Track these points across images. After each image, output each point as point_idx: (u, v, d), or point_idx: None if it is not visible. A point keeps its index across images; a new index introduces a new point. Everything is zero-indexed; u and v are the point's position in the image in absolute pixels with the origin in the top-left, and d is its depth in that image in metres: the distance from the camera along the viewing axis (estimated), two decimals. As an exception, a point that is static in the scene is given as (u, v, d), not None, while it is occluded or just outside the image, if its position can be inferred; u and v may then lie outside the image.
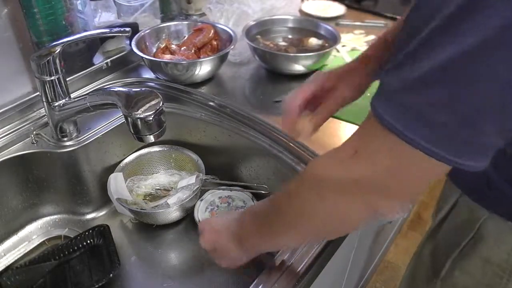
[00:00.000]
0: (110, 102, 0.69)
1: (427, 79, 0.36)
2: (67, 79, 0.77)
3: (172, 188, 0.89)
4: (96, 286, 0.69)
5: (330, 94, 0.63)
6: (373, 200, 0.43)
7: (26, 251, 0.81)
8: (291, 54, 0.98)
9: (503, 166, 0.55)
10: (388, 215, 0.44)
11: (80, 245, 0.77)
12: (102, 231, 0.78)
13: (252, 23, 1.06)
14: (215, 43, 1.01)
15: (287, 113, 0.62)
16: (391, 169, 0.41)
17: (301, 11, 1.30)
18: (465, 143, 0.37)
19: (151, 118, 0.65)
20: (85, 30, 0.88)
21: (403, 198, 0.43)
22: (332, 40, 1.03)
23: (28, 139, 0.79)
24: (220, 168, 0.91)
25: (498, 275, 0.63)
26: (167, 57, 0.95)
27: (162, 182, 0.90)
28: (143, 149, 0.90)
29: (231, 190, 0.89)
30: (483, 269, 0.64)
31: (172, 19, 1.12)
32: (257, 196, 0.86)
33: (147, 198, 0.87)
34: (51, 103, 0.75)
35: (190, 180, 0.85)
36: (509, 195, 0.57)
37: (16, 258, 0.79)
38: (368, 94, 0.96)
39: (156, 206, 0.84)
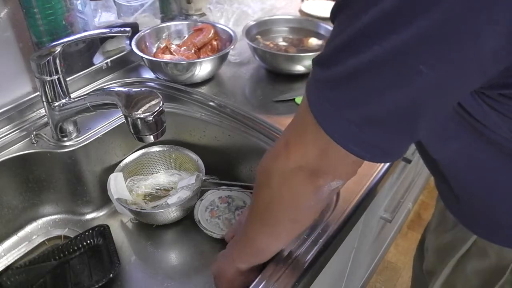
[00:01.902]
0: (110, 102, 0.69)
1: (339, 79, 0.39)
2: (67, 79, 0.77)
3: (172, 188, 0.89)
4: (96, 286, 0.69)
5: None
6: (310, 179, 0.46)
7: (26, 251, 0.81)
8: (291, 54, 0.98)
9: None
10: (329, 185, 0.47)
11: (80, 245, 0.77)
12: (102, 231, 0.78)
13: (252, 23, 1.06)
14: (215, 43, 1.01)
15: None
16: (319, 155, 0.43)
17: (301, 11, 1.30)
18: (371, 142, 0.40)
19: (151, 118, 0.65)
20: (85, 30, 0.88)
21: (336, 177, 0.46)
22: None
23: (28, 139, 0.79)
24: (220, 168, 0.91)
25: None
26: (167, 57, 0.95)
27: (162, 182, 0.90)
28: (143, 149, 0.90)
29: (231, 190, 0.89)
30: None
31: (172, 19, 1.12)
32: (257, 196, 0.86)
33: (147, 198, 0.87)
34: (51, 103, 0.75)
35: (190, 180, 0.85)
36: None
37: (16, 258, 0.79)
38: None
39: (156, 206, 0.84)
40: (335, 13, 0.42)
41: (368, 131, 0.39)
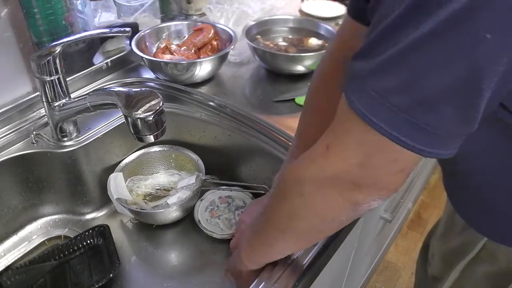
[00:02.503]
0: (110, 102, 0.69)
1: (386, 64, 0.36)
2: (67, 79, 0.77)
3: (172, 188, 0.89)
4: (96, 286, 0.69)
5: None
6: (349, 193, 0.43)
7: (26, 251, 0.81)
8: (291, 54, 0.98)
9: None
10: (369, 204, 0.43)
11: (80, 245, 0.77)
12: (102, 231, 0.78)
13: (252, 23, 1.06)
14: (215, 43, 1.01)
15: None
16: (362, 162, 0.40)
17: (301, 11, 1.30)
18: (427, 129, 0.36)
19: (151, 118, 0.65)
20: (85, 30, 0.88)
21: (379, 190, 0.43)
22: (332, 40, 1.02)
23: (28, 139, 0.79)
24: (220, 168, 0.91)
25: None
26: (167, 57, 0.95)
27: (162, 182, 0.90)
28: (143, 149, 0.90)
29: (231, 190, 0.89)
30: None
31: (172, 19, 1.12)
32: (257, 196, 0.86)
33: (147, 198, 0.87)
34: (51, 103, 0.75)
35: (190, 180, 0.85)
36: None
37: (16, 258, 0.79)
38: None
39: (156, 206, 0.84)
40: (374, 6, 0.40)
41: (422, 117, 0.36)
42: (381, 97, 0.36)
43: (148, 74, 0.97)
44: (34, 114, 0.83)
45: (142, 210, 0.81)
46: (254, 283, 0.57)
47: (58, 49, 0.71)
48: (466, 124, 0.37)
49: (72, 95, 0.79)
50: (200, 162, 0.87)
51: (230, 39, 0.98)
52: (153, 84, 0.94)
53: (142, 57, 0.92)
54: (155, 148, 0.91)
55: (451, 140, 0.38)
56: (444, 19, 0.32)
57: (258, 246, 0.57)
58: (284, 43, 1.06)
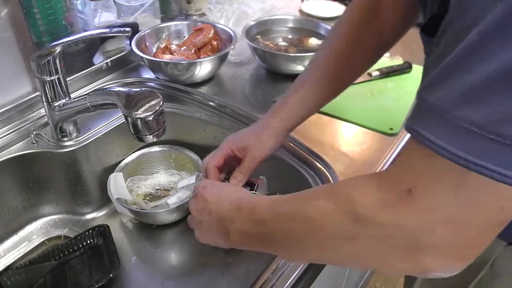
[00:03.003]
0: (110, 102, 0.69)
1: (488, 86, 0.29)
2: (67, 79, 0.77)
3: (172, 188, 0.89)
4: (96, 286, 0.69)
5: (244, 155, 0.67)
6: (421, 256, 0.35)
7: (26, 251, 0.81)
8: (291, 54, 0.98)
9: None
10: (438, 274, 0.36)
11: (80, 245, 0.77)
12: (102, 231, 0.78)
13: (252, 23, 1.06)
14: (215, 43, 1.01)
15: (207, 174, 0.67)
16: (453, 218, 0.33)
17: (301, 11, 1.30)
18: None
19: (151, 118, 0.65)
20: (85, 30, 0.88)
21: (462, 258, 0.35)
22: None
23: (28, 139, 0.79)
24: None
25: None
26: (167, 57, 0.95)
27: (162, 182, 0.90)
28: (143, 149, 0.90)
29: (231, 190, 0.89)
30: None
31: (172, 19, 1.12)
32: (257, 196, 0.86)
33: (147, 198, 0.87)
34: (51, 103, 0.75)
35: (190, 180, 0.85)
36: None
37: (16, 258, 0.79)
38: (368, 95, 0.96)
39: (156, 206, 0.84)
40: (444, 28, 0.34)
41: None
42: (485, 130, 0.29)
43: (148, 74, 0.97)
44: (34, 114, 0.83)
45: (142, 210, 0.81)
46: (254, 282, 0.57)
47: (58, 49, 0.71)
48: None
49: (72, 95, 0.79)
50: (200, 162, 0.87)
51: (230, 39, 0.98)
52: (153, 84, 0.94)
53: (142, 57, 0.92)
54: (155, 148, 0.91)
55: None
56: None
57: (259, 248, 0.52)
58: (284, 43, 1.06)
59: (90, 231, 0.78)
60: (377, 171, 0.74)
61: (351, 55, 0.65)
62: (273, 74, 0.99)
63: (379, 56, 0.68)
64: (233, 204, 0.53)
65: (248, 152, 0.66)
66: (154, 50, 1.00)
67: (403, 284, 1.50)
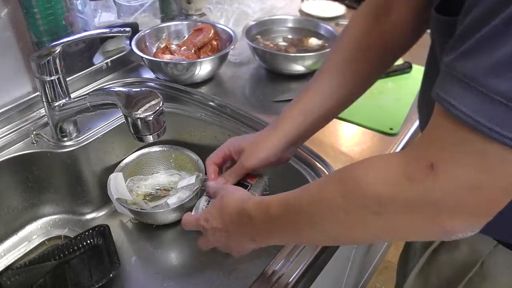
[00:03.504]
0: (110, 102, 0.69)
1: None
2: (67, 79, 0.77)
3: (172, 188, 0.89)
4: (96, 286, 0.69)
5: (238, 159, 0.65)
6: (445, 220, 0.36)
7: (26, 251, 0.81)
8: (291, 54, 0.98)
9: None
10: (460, 235, 0.37)
11: (80, 245, 0.77)
12: (102, 231, 0.78)
13: (252, 23, 1.06)
14: (215, 43, 1.01)
15: (206, 170, 0.68)
16: (477, 184, 0.34)
17: (301, 11, 1.30)
18: None
19: (151, 118, 0.65)
20: (85, 30, 0.88)
21: (484, 215, 0.36)
22: (332, 40, 1.03)
23: (28, 139, 0.79)
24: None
25: None
26: (167, 57, 0.95)
27: (162, 182, 0.90)
28: (143, 149, 0.90)
29: (231, 190, 0.89)
30: None
31: (172, 19, 1.12)
32: (257, 196, 0.86)
33: (147, 198, 0.87)
34: (51, 103, 0.75)
35: (190, 180, 0.85)
36: None
37: (16, 258, 0.79)
38: (368, 94, 0.96)
39: (156, 206, 0.84)
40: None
41: None
42: (509, 100, 0.30)
43: (148, 74, 0.97)
44: (34, 114, 0.83)
45: (142, 210, 0.81)
46: (254, 282, 0.57)
47: (58, 49, 0.71)
48: None
49: (72, 95, 0.79)
50: (200, 162, 0.87)
51: (230, 39, 0.98)
52: (153, 84, 0.95)
53: (142, 57, 0.92)
54: (155, 148, 0.91)
55: None
56: None
57: (282, 238, 0.52)
58: (284, 43, 1.06)
59: (90, 231, 0.78)
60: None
61: (357, 61, 0.62)
62: (273, 74, 0.99)
63: (388, 62, 0.65)
64: (239, 211, 0.54)
65: (241, 157, 0.64)
66: (154, 50, 1.00)
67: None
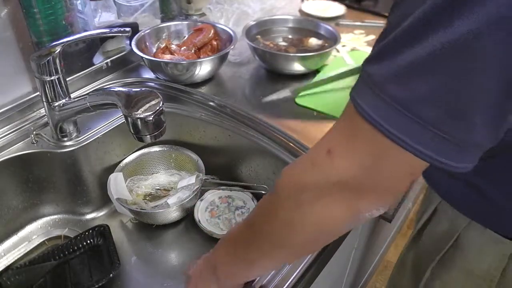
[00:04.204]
0: (110, 102, 0.69)
1: (412, 70, 0.33)
2: (67, 79, 0.77)
3: (172, 188, 0.89)
4: (96, 286, 0.69)
5: None
6: (353, 200, 0.40)
7: (26, 251, 0.81)
8: (291, 54, 0.98)
9: (487, 170, 0.51)
10: (371, 213, 0.42)
11: (80, 245, 0.77)
12: (102, 231, 0.78)
13: (252, 23, 1.06)
14: (215, 43, 1.01)
15: None
16: (369, 167, 0.38)
17: (301, 11, 1.30)
18: (455, 143, 0.34)
19: (151, 118, 0.65)
20: (85, 30, 0.88)
21: (384, 195, 0.41)
22: (332, 40, 1.03)
23: (28, 139, 0.79)
24: (220, 168, 0.91)
25: (479, 285, 0.62)
26: (167, 57, 0.95)
27: (162, 182, 0.90)
28: (143, 149, 0.90)
29: (231, 190, 0.89)
30: (464, 281, 0.63)
31: (172, 19, 1.12)
32: (257, 196, 0.86)
33: (147, 198, 0.87)
34: (51, 103, 0.75)
35: (190, 180, 0.85)
36: (492, 201, 0.55)
37: (16, 258, 0.79)
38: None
39: (156, 206, 0.84)
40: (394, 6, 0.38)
41: (449, 128, 0.33)
42: (403, 107, 0.33)
43: (148, 74, 0.97)
44: (34, 114, 0.83)
45: (142, 210, 0.81)
46: (256, 280, 0.57)
47: (58, 49, 0.71)
48: (493, 137, 0.35)
49: (72, 95, 0.79)
50: (200, 162, 0.87)
51: (230, 39, 0.98)
52: (153, 84, 0.94)
53: (142, 57, 0.92)
54: (155, 148, 0.91)
55: (470, 153, 0.36)
56: (486, 19, 0.29)
57: (241, 262, 0.52)
58: (284, 43, 1.06)
59: (90, 231, 0.78)
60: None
61: None
62: (273, 74, 0.99)
63: None
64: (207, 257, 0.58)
65: None
66: (154, 50, 1.00)
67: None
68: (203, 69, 0.91)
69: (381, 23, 1.26)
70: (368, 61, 0.37)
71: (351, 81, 0.95)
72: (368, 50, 1.10)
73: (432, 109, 0.33)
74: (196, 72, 0.91)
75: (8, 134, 0.79)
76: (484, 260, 0.60)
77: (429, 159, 0.35)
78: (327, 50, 0.96)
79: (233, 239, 0.54)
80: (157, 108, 0.65)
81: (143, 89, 0.69)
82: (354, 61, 1.05)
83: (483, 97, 0.32)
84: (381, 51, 0.36)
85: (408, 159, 0.36)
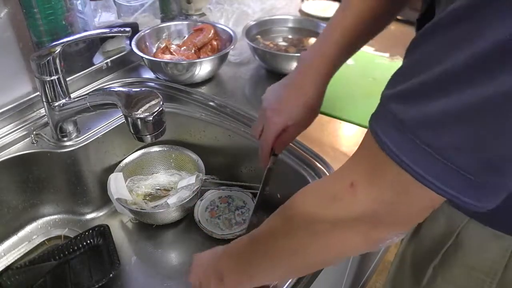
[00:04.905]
0: (110, 102, 0.69)
1: (448, 118, 0.32)
2: (67, 79, 0.77)
3: (172, 188, 0.89)
4: (96, 286, 0.69)
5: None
6: (372, 231, 0.40)
7: (26, 251, 0.81)
8: (291, 54, 0.98)
9: None
10: (391, 240, 0.41)
11: (80, 245, 0.77)
12: (102, 231, 0.78)
13: (252, 23, 1.06)
14: (215, 43, 1.01)
15: (263, 150, 0.68)
16: (391, 202, 0.38)
17: (301, 11, 1.30)
18: (484, 187, 0.34)
19: (151, 118, 0.65)
20: (85, 30, 0.88)
21: (403, 226, 0.41)
22: (332, 40, 1.02)
23: (28, 139, 0.79)
24: (220, 168, 0.91)
25: (482, 280, 0.62)
26: (167, 57, 0.95)
27: (162, 182, 0.90)
28: (143, 149, 0.90)
29: (231, 190, 0.89)
30: (466, 277, 0.63)
31: (172, 19, 1.12)
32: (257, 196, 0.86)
33: (147, 198, 0.87)
34: (51, 103, 0.75)
35: (190, 180, 0.85)
36: None
37: (16, 258, 0.79)
38: (368, 95, 0.96)
39: (156, 206, 0.84)
40: (417, 41, 0.36)
41: (483, 175, 0.33)
42: (436, 152, 0.33)
43: (148, 74, 0.97)
44: (34, 114, 0.83)
45: (142, 210, 0.81)
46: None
47: (58, 49, 0.71)
48: None
49: (72, 95, 0.79)
50: (200, 162, 0.87)
51: (230, 39, 0.98)
52: (153, 84, 0.94)
53: (142, 57, 0.92)
54: (155, 148, 0.91)
55: (497, 197, 0.36)
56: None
57: (243, 275, 0.53)
58: (284, 43, 1.06)
59: (90, 231, 0.78)
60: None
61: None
62: (273, 74, 0.99)
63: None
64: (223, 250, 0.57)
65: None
66: (154, 50, 1.00)
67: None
68: (203, 69, 0.91)
69: (381, 23, 1.26)
70: (390, 98, 0.36)
71: (350, 80, 0.95)
72: (367, 50, 1.10)
73: (465, 157, 0.32)
74: (196, 72, 0.91)
75: (8, 134, 0.79)
76: (486, 256, 0.61)
77: (455, 199, 0.34)
78: (327, 50, 0.96)
79: (237, 254, 0.54)
80: (157, 108, 0.65)
81: (143, 89, 0.69)
82: (354, 61, 1.05)
83: None
84: (408, 93, 0.34)
85: (431, 196, 0.35)
